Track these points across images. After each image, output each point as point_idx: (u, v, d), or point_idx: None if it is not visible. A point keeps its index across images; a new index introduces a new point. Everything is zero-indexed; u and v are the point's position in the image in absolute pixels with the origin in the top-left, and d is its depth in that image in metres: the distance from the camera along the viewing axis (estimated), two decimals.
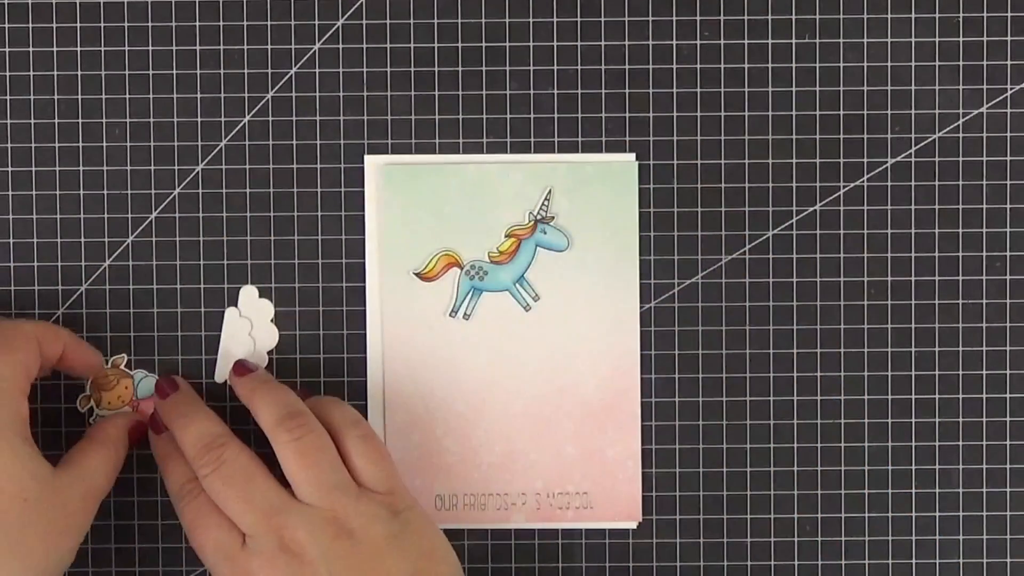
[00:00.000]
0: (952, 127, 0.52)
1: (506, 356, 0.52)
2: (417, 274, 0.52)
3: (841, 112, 0.52)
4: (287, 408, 0.48)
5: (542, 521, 0.52)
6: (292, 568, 0.45)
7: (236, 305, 0.52)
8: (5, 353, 0.46)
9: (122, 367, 0.52)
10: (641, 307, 0.52)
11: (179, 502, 0.48)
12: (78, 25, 0.52)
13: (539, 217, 0.52)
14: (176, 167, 0.52)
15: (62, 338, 0.49)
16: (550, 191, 0.52)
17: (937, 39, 0.52)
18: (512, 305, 0.52)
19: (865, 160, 0.52)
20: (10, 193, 0.52)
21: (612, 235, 0.51)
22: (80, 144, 0.52)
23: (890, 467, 0.52)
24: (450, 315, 0.52)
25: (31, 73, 0.52)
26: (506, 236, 0.52)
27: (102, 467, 0.48)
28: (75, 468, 0.47)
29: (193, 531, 0.47)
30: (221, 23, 0.52)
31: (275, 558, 0.45)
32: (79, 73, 0.52)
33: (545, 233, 0.52)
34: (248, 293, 0.51)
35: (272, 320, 0.52)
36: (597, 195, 0.51)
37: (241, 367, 0.50)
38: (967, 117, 0.52)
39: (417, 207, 0.52)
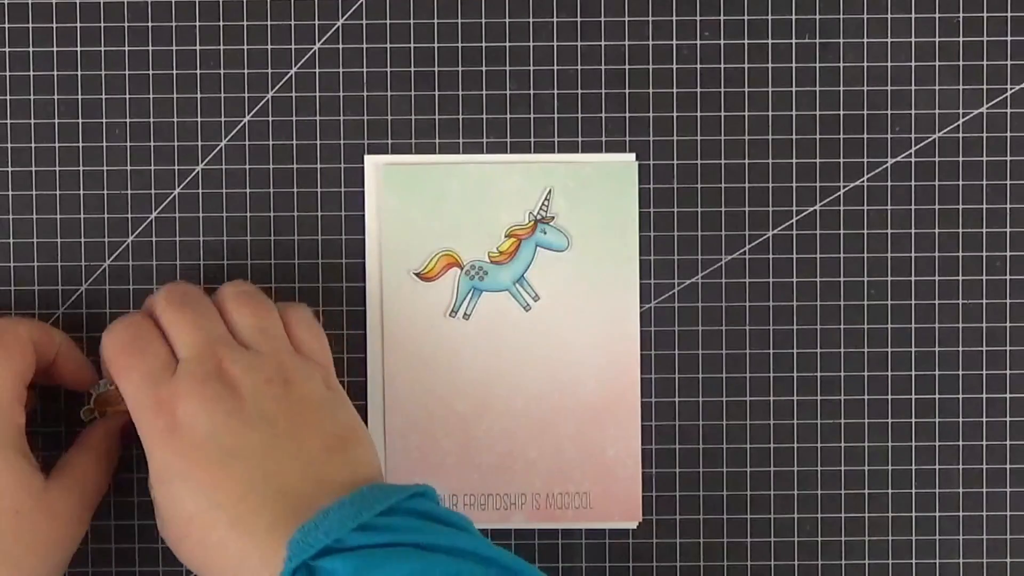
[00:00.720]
0: (952, 127, 0.52)
1: (506, 356, 0.52)
2: (417, 274, 0.52)
3: (841, 112, 0.52)
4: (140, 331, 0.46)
5: (542, 521, 0.52)
6: (221, 395, 0.43)
7: None
8: (3, 353, 0.45)
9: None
10: (641, 307, 0.52)
11: (117, 323, 0.46)
12: (78, 25, 0.52)
13: (539, 217, 0.52)
14: (176, 167, 0.52)
15: (55, 343, 0.48)
16: (550, 191, 0.52)
17: (937, 39, 0.52)
18: (512, 305, 0.52)
19: (865, 160, 0.52)
20: (10, 193, 0.52)
21: (612, 235, 0.51)
22: (80, 144, 0.52)
23: (890, 467, 0.52)
24: (450, 315, 0.52)
25: (31, 73, 0.52)
26: (506, 236, 0.52)
27: (94, 475, 0.47)
28: (67, 478, 0.46)
29: (123, 354, 0.45)
30: (221, 23, 0.52)
31: (206, 382, 0.43)
32: (79, 73, 0.52)
33: (545, 233, 0.52)
34: None
35: None
36: (597, 195, 0.51)
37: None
38: (967, 117, 0.52)
39: (417, 207, 0.52)
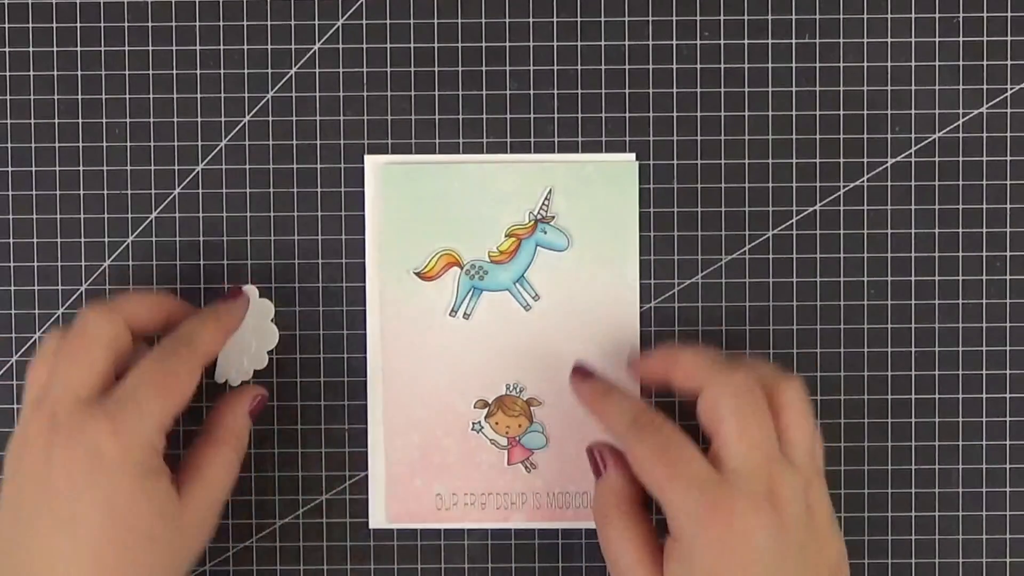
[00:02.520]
0: (952, 127, 0.52)
1: (506, 355, 0.52)
2: (417, 273, 0.52)
3: (841, 112, 0.52)
4: (722, 359, 0.46)
5: (543, 520, 0.52)
6: (772, 520, 0.44)
7: None
8: (164, 394, 0.45)
9: (530, 407, 0.52)
10: (641, 307, 0.52)
11: (635, 434, 0.46)
12: (78, 25, 0.52)
13: (539, 217, 0.52)
14: (176, 167, 0.52)
15: (220, 339, 0.49)
16: (550, 191, 0.52)
17: (937, 39, 0.52)
18: (512, 305, 0.52)
19: (865, 160, 0.52)
20: (10, 193, 0.52)
21: (612, 234, 0.52)
22: (80, 144, 0.52)
23: (890, 467, 0.52)
24: (450, 314, 0.52)
25: (31, 73, 0.52)
26: (506, 236, 0.52)
27: (224, 475, 0.47)
28: (198, 484, 0.46)
29: (656, 462, 0.45)
30: (221, 23, 0.52)
31: (761, 503, 0.44)
32: (79, 73, 0.52)
33: (545, 233, 0.52)
34: (248, 293, 0.51)
35: (272, 320, 0.52)
36: (597, 195, 0.52)
37: (583, 371, 0.50)
38: (967, 117, 0.52)
39: (417, 206, 0.52)
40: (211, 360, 0.48)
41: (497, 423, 0.52)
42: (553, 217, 0.52)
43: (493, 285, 0.52)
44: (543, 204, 0.52)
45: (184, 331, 0.47)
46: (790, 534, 0.44)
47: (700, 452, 0.45)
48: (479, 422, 0.52)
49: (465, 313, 0.52)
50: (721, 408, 0.45)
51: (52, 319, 0.52)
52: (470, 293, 0.52)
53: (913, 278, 0.52)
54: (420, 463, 0.52)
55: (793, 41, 0.52)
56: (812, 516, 0.45)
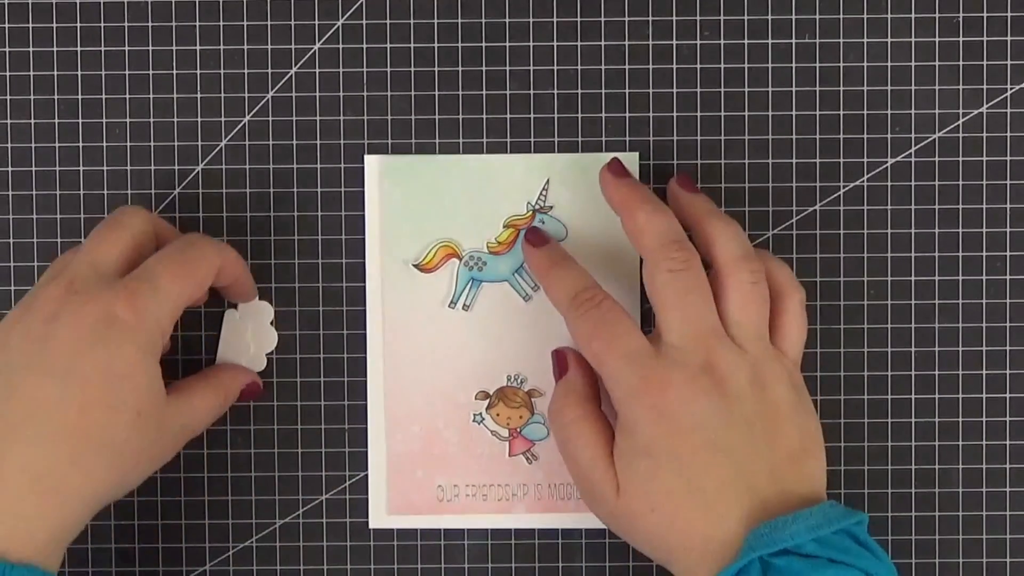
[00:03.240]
0: (952, 127, 0.52)
1: (507, 346, 0.52)
2: (416, 265, 0.52)
3: (841, 112, 0.52)
4: (669, 238, 0.46)
5: (543, 512, 0.52)
6: (710, 390, 0.44)
7: (236, 307, 0.52)
8: (182, 278, 0.46)
9: (531, 398, 0.52)
10: (643, 307, 0.52)
11: (574, 311, 0.46)
12: (78, 25, 0.52)
13: (537, 207, 0.52)
14: (176, 167, 0.52)
15: (238, 270, 0.49)
16: (548, 181, 0.52)
17: (937, 39, 0.52)
18: (512, 295, 0.52)
19: (865, 160, 0.52)
20: (10, 193, 0.52)
21: (611, 225, 0.51)
22: (80, 144, 0.52)
23: (890, 467, 0.52)
24: (450, 306, 0.52)
25: (31, 73, 0.52)
26: (504, 226, 0.52)
27: (205, 410, 0.48)
28: (183, 402, 0.47)
29: (594, 338, 0.46)
30: (221, 23, 0.52)
31: (697, 376, 0.44)
32: (79, 73, 0.52)
33: (543, 223, 0.52)
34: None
35: (271, 322, 0.52)
36: (596, 186, 0.51)
37: (536, 236, 0.50)
38: (967, 117, 0.52)
39: (416, 198, 0.52)
40: (229, 261, 0.48)
41: (498, 414, 0.52)
42: (551, 207, 0.52)
43: (492, 276, 0.52)
44: (541, 195, 0.52)
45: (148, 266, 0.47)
46: (732, 406, 0.44)
47: (637, 328, 0.46)
48: (480, 413, 0.52)
49: (465, 304, 0.52)
50: (657, 283, 0.46)
51: None
52: (469, 284, 0.52)
53: (913, 278, 0.52)
54: (421, 455, 0.52)
55: (793, 41, 0.52)
56: (764, 394, 0.45)
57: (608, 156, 0.51)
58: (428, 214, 0.52)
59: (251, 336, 0.52)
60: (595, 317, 0.46)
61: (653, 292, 0.46)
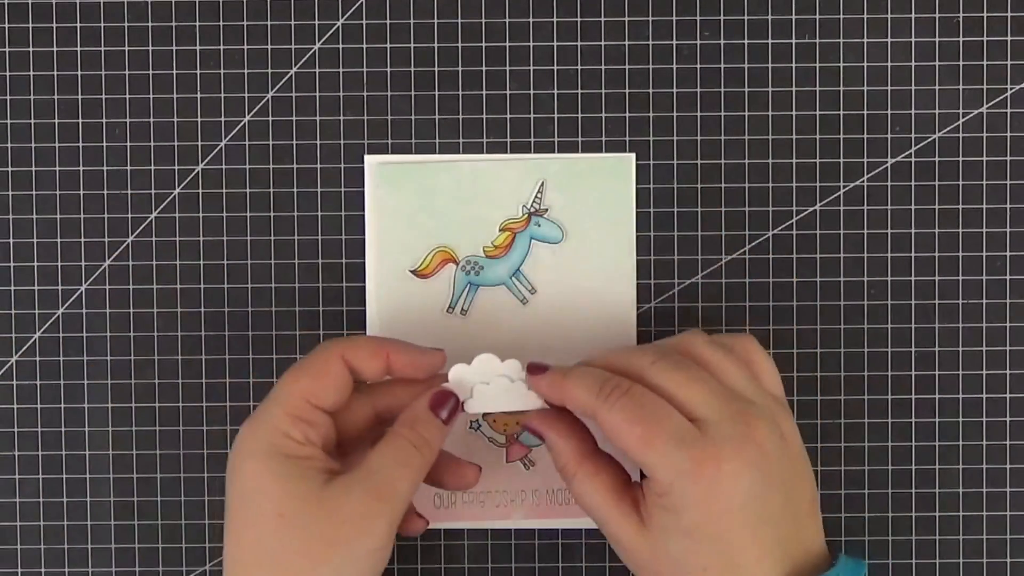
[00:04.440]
0: (952, 127, 0.52)
1: (504, 350, 0.52)
2: (413, 271, 0.52)
3: (841, 112, 0.52)
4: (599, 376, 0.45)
5: (542, 518, 0.52)
6: (757, 459, 0.43)
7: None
8: (292, 376, 0.45)
9: None
10: (641, 307, 0.52)
11: (604, 404, 0.44)
12: (78, 25, 0.52)
13: (532, 210, 0.52)
14: (176, 167, 0.52)
15: (383, 352, 0.46)
16: (542, 184, 0.52)
17: (937, 39, 0.52)
18: (509, 299, 0.52)
19: (865, 160, 0.52)
20: (10, 193, 0.52)
21: (608, 227, 0.51)
22: (80, 144, 0.52)
23: (890, 467, 0.52)
24: (447, 311, 0.52)
25: (31, 73, 0.52)
26: (500, 230, 0.52)
27: (392, 465, 0.45)
28: (360, 469, 0.44)
29: (636, 424, 0.44)
30: (221, 23, 0.52)
31: (744, 445, 0.43)
32: (79, 73, 0.52)
33: (539, 226, 0.52)
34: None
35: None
36: (592, 187, 0.51)
37: (536, 367, 0.47)
38: (967, 117, 0.52)
39: (411, 204, 0.52)
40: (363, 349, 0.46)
41: (495, 421, 0.52)
42: (547, 210, 0.52)
43: (489, 280, 0.52)
44: (536, 197, 0.52)
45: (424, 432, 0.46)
46: (773, 469, 0.44)
47: (675, 409, 0.44)
48: (477, 420, 0.52)
49: (463, 309, 0.52)
50: (658, 379, 0.44)
51: (52, 319, 0.52)
52: (467, 289, 0.52)
53: (913, 278, 0.52)
54: None
55: (793, 41, 0.52)
56: (787, 447, 0.45)
57: (602, 158, 0.51)
58: (423, 220, 0.52)
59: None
60: (630, 404, 0.44)
61: (657, 389, 0.45)
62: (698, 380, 0.44)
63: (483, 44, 0.52)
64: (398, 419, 0.46)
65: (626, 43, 0.52)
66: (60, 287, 0.52)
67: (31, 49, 0.52)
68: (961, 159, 0.52)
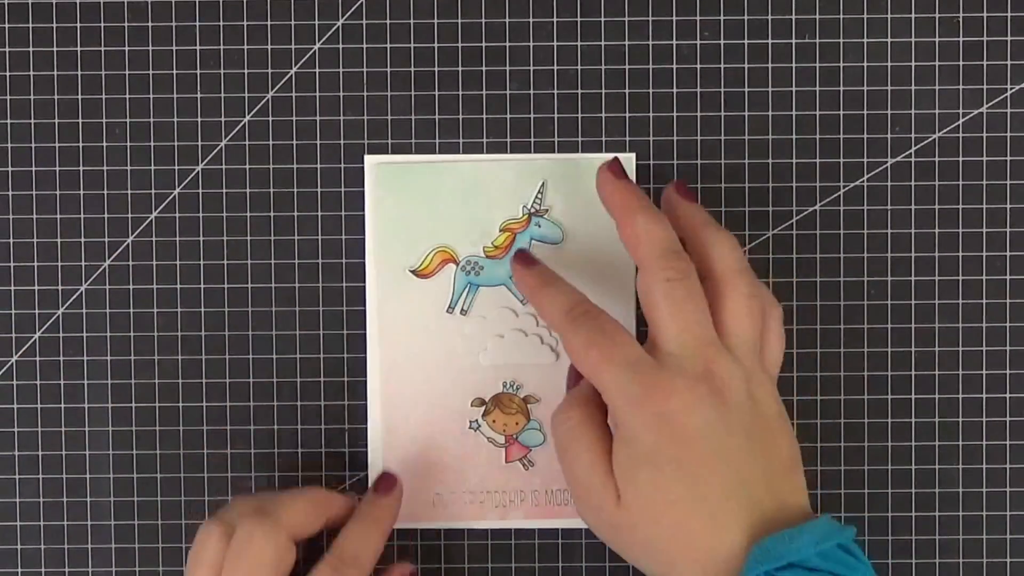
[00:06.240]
0: (952, 127, 0.52)
1: (503, 351, 0.52)
2: (413, 271, 0.52)
3: (841, 112, 0.52)
4: (667, 247, 0.46)
5: (541, 518, 0.52)
6: (712, 400, 0.44)
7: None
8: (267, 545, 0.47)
9: (527, 404, 0.52)
10: (638, 310, 0.52)
11: (569, 324, 0.46)
12: (78, 25, 0.52)
13: (533, 211, 0.52)
14: (176, 167, 0.52)
15: (334, 512, 0.50)
16: (543, 184, 0.52)
17: (937, 39, 0.52)
18: (509, 299, 0.52)
19: (865, 160, 0.52)
20: (10, 193, 0.52)
21: (609, 227, 0.51)
22: (80, 144, 0.52)
23: (890, 467, 0.52)
24: (448, 311, 0.52)
25: (31, 73, 0.52)
26: (500, 230, 0.52)
27: (369, 553, 0.49)
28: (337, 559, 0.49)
29: (591, 348, 0.45)
30: (221, 23, 0.52)
31: (698, 383, 0.44)
32: (79, 73, 0.52)
33: (539, 226, 0.52)
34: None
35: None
36: (592, 188, 0.51)
37: (525, 257, 0.49)
38: (967, 117, 0.52)
39: (411, 204, 0.52)
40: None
41: (495, 421, 0.52)
42: (547, 210, 0.52)
43: (489, 280, 0.52)
44: (536, 198, 0.52)
45: (349, 551, 0.49)
46: (732, 415, 0.44)
47: (634, 338, 0.45)
48: (476, 420, 0.52)
49: (463, 309, 0.52)
50: (654, 292, 0.45)
51: (52, 319, 0.52)
52: (467, 289, 0.52)
53: (913, 278, 0.52)
54: (418, 462, 0.52)
55: (793, 41, 0.52)
56: (757, 406, 0.45)
57: (601, 158, 0.51)
58: (423, 220, 0.52)
59: None
60: (590, 328, 0.45)
61: (649, 301, 0.45)
62: (687, 317, 0.45)
63: (483, 44, 0.52)
64: (382, 504, 0.50)
65: (626, 43, 0.52)
66: (60, 287, 0.52)
67: (31, 49, 0.52)
68: (961, 159, 0.52)
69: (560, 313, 0.46)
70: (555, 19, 0.52)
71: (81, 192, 0.52)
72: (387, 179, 0.52)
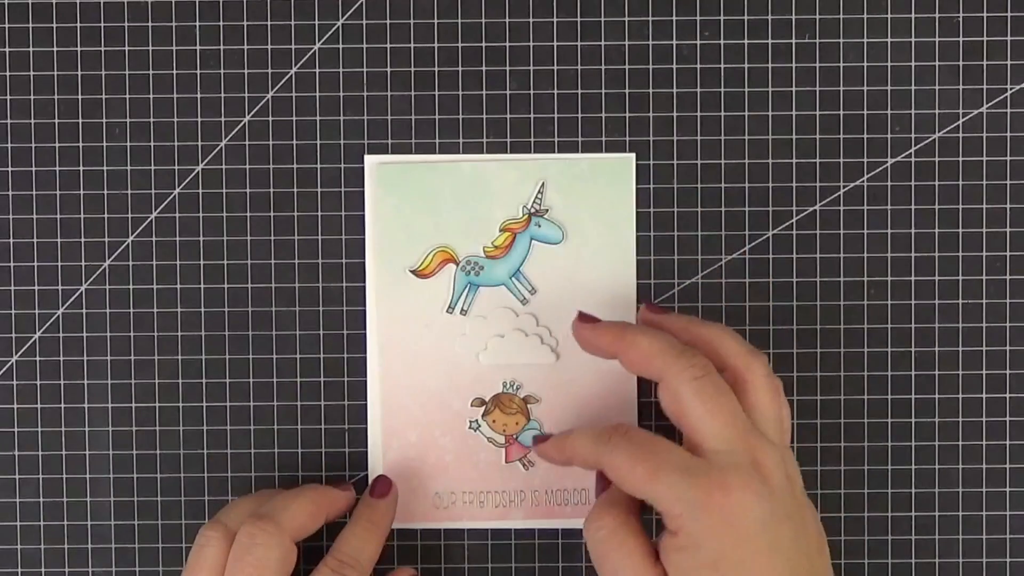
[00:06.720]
0: (952, 127, 0.52)
1: (503, 352, 0.52)
2: (413, 271, 0.52)
3: (841, 112, 0.52)
4: (679, 349, 0.46)
5: (541, 518, 0.52)
6: (763, 489, 0.44)
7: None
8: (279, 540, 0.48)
9: (527, 404, 0.52)
10: (641, 307, 0.52)
11: (604, 446, 0.45)
12: (78, 25, 0.52)
13: (533, 211, 0.52)
14: (176, 167, 0.52)
15: (336, 508, 0.51)
16: (543, 184, 0.52)
17: (937, 39, 0.52)
18: (509, 299, 0.52)
19: (865, 160, 0.52)
20: (10, 193, 0.52)
21: (608, 227, 0.51)
22: (80, 144, 0.52)
23: (890, 467, 0.52)
24: (447, 311, 0.52)
25: (31, 73, 0.52)
26: (500, 230, 0.52)
27: (370, 553, 0.50)
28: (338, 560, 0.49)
29: (637, 463, 0.44)
30: (221, 23, 0.52)
31: (751, 476, 0.44)
32: (79, 73, 0.52)
33: (539, 226, 0.52)
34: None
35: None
36: (592, 188, 0.51)
37: (587, 316, 0.49)
38: (967, 117, 0.52)
39: (411, 204, 0.52)
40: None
41: (494, 421, 0.52)
42: (547, 210, 0.52)
43: (489, 280, 0.52)
44: (536, 198, 0.52)
45: (348, 553, 0.49)
46: (779, 503, 0.44)
47: (674, 444, 0.45)
48: (476, 420, 0.52)
49: (463, 309, 0.52)
50: (683, 394, 0.45)
51: (52, 319, 0.52)
52: (466, 289, 0.52)
53: (913, 278, 0.52)
54: (418, 462, 0.52)
55: (793, 41, 0.52)
56: (792, 486, 0.45)
57: (601, 158, 0.51)
58: (423, 220, 0.52)
59: None
60: (628, 445, 0.45)
61: (680, 406, 0.45)
62: (724, 411, 0.45)
63: (483, 44, 0.52)
64: (382, 506, 0.51)
65: (626, 43, 0.52)
66: (60, 287, 0.52)
67: (31, 49, 0.52)
68: (961, 159, 0.52)
69: (592, 445, 0.46)
70: (555, 19, 0.52)
71: (81, 192, 0.52)
72: (387, 179, 0.52)
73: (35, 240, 0.52)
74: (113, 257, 0.52)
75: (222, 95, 0.52)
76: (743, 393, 0.46)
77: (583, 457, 0.46)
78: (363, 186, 0.52)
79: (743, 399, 0.46)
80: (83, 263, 0.52)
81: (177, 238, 0.52)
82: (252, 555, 0.46)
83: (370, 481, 0.52)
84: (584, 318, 0.48)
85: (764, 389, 0.46)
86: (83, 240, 0.52)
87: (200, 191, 0.52)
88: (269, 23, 0.52)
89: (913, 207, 0.52)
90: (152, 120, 0.52)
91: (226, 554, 0.47)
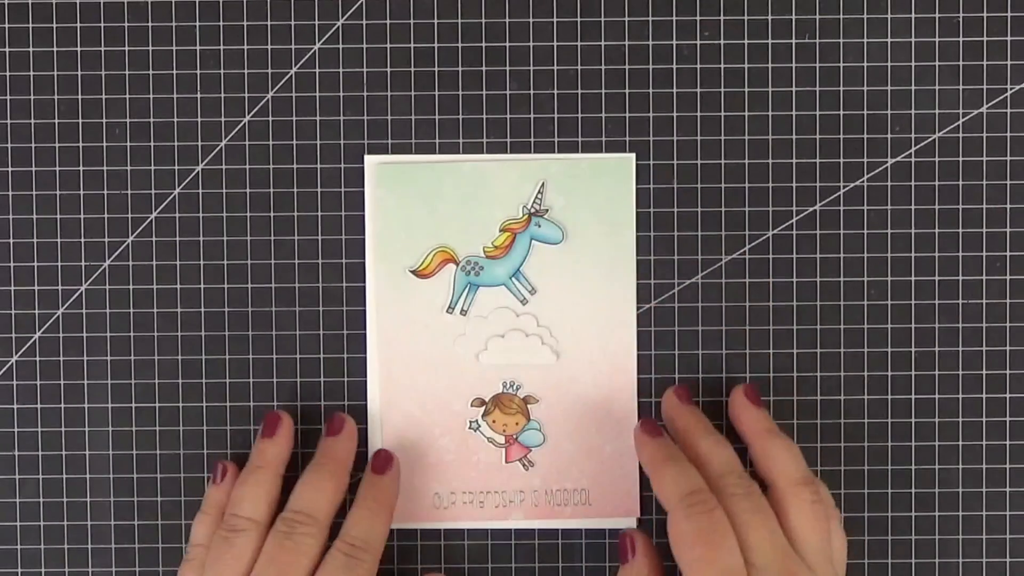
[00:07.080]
0: (952, 127, 0.52)
1: (503, 352, 0.52)
2: (413, 271, 0.52)
3: (841, 112, 0.52)
4: (730, 467, 0.48)
5: (541, 519, 0.52)
6: None
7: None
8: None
9: (527, 404, 0.52)
10: (640, 307, 0.52)
11: (684, 510, 0.46)
12: (78, 25, 0.52)
13: (532, 211, 0.52)
14: (176, 167, 0.52)
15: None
16: (543, 184, 0.52)
17: (937, 39, 0.52)
18: (509, 299, 0.52)
19: (865, 160, 0.52)
20: (10, 193, 0.52)
21: (608, 228, 0.52)
22: (80, 144, 0.52)
23: (890, 467, 0.52)
24: (447, 311, 0.52)
25: (31, 73, 0.52)
26: (500, 230, 0.52)
27: (381, 532, 0.50)
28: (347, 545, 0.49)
29: (697, 544, 0.46)
30: (221, 23, 0.52)
31: None
32: (79, 73, 0.52)
33: (539, 227, 0.52)
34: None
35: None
36: (592, 188, 0.51)
37: (651, 428, 0.50)
38: (967, 117, 0.52)
39: (411, 204, 0.52)
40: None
41: (494, 421, 0.52)
42: (547, 210, 0.52)
43: (489, 280, 0.52)
44: (536, 198, 0.52)
45: (357, 536, 0.49)
46: None
47: (737, 545, 0.45)
48: (476, 420, 0.52)
49: (463, 309, 0.52)
50: (732, 508, 0.46)
51: (52, 319, 0.52)
52: (466, 289, 0.52)
53: (913, 278, 0.52)
54: (418, 462, 0.52)
55: (793, 41, 0.52)
56: None
57: (601, 158, 0.51)
58: (423, 220, 0.52)
59: None
60: (704, 523, 0.46)
61: (727, 513, 0.46)
62: (766, 528, 0.46)
63: (483, 44, 0.52)
64: (382, 494, 0.51)
65: (626, 43, 0.52)
66: (60, 287, 0.52)
67: (31, 49, 0.52)
68: (961, 159, 0.52)
69: (678, 496, 0.47)
70: (555, 19, 0.52)
71: (81, 192, 0.52)
72: (387, 179, 0.52)
73: (35, 240, 0.52)
74: (113, 257, 0.52)
75: (222, 95, 0.52)
76: (783, 515, 0.47)
77: (664, 496, 0.47)
78: (363, 186, 0.52)
79: (782, 521, 0.47)
80: (83, 263, 0.52)
81: (177, 238, 0.52)
82: (240, 490, 0.49)
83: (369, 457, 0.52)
84: (648, 428, 0.50)
85: (807, 514, 0.47)
86: (83, 240, 0.52)
87: (200, 191, 0.52)
88: (269, 23, 0.52)
89: (913, 207, 0.52)
90: (152, 120, 0.52)
91: (219, 518, 0.49)
